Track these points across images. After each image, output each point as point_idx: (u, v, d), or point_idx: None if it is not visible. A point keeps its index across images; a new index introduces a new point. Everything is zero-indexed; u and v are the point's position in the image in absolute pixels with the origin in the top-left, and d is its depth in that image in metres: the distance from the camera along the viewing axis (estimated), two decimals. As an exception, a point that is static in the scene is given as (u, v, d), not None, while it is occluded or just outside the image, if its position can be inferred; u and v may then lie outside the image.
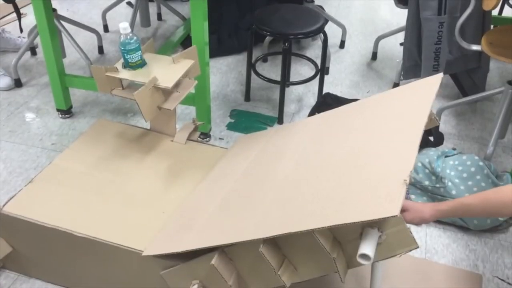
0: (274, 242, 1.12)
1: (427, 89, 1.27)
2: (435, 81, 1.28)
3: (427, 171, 1.76)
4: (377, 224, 1.00)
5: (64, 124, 2.24)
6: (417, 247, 1.04)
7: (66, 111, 2.26)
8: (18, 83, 2.49)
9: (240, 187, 1.38)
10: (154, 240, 1.31)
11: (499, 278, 1.58)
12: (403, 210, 1.24)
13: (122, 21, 1.59)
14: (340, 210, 0.99)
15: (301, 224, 1.02)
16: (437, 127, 2.12)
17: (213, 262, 1.16)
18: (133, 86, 1.64)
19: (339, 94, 2.40)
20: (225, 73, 2.68)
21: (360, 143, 1.24)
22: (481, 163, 1.72)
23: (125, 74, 1.60)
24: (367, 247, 0.96)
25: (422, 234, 1.73)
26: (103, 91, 1.63)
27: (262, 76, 2.37)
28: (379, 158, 1.12)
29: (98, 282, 1.44)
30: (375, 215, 0.91)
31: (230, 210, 1.29)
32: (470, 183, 1.70)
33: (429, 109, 1.18)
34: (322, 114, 1.57)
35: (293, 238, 1.05)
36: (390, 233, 1.03)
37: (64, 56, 2.71)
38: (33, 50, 2.78)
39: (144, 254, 1.27)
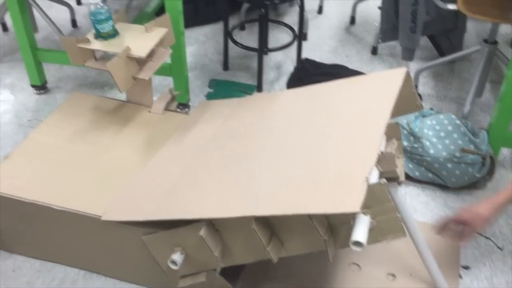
0: (264, 219, 1.14)
1: (392, 81, 1.29)
2: (399, 73, 1.31)
3: (405, 132, 1.78)
4: (369, 211, 1.04)
5: (40, 100, 2.20)
6: (404, 236, 1.08)
7: (41, 87, 2.22)
8: (-10, 61, 2.45)
9: (208, 158, 1.39)
10: (114, 204, 1.32)
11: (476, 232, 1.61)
12: (467, 223, 1.25)
13: (93, -8, 1.55)
14: (308, 199, 1.05)
15: (283, 207, 1.06)
16: (416, 88, 2.13)
17: (201, 233, 1.16)
18: (106, 57, 1.61)
19: (318, 60, 2.38)
20: (203, 42, 2.65)
21: (328, 129, 1.27)
22: (458, 122, 1.74)
23: (97, 45, 1.57)
24: (360, 234, 0.99)
25: (401, 193, 1.75)
26: (76, 63, 1.60)
27: (240, 44, 2.34)
28: (344, 148, 1.17)
29: (82, 254, 1.45)
30: (339, 208, 0.98)
31: (205, 180, 1.29)
32: (447, 141, 1.71)
33: (393, 103, 1.21)
34: (291, 90, 1.58)
35: (285, 217, 1.07)
36: (381, 220, 1.06)
37: (36, 30, 2.65)
38: (4, 26, 2.71)
39: (103, 218, 1.29)
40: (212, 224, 1.20)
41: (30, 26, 2.08)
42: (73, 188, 1.40)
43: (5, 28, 2.71)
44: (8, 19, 2.65)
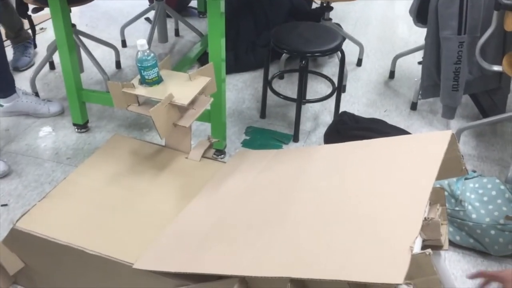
0: (301, 281, 1.10)
1: (437, 144, 1.26)
2: (445, 135, 1.27)
3: (446, 193, 1.72)
4: (412, 282, 1.01)
5: (80, 139, 2.25)
6: None
7: (82, 126, 2.27)
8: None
9: (243, 211, 1.37)
10: (147, 253, 1.30)
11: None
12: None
13: (140, 37, 1.59)
14: (348, 265, 1.02)
15: (320, 271, 1.03)
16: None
17: None
18: (149, 102, 1.63)
19: (356, 113, 2.36)
20: (241, 89, 2.68)
21: (370, 190, 1.24)
22: (502, 187, 1.67)
23: (142, 91, 1.59)
24: None
25: (442, 259, 1.68)
26: (120, 107, 1.63)
27: (279, 93, 2.35)
28: (387, 213, 1.13)
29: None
30: (380, 278, 0.94)
31: (239, 235, 1.27)
32: (490, 207, 1.65)
33: (438, 167, 1.17)
34: (330, 146, 1.55)
35: (322, 281, 1.04)
36: (421, 281, 1.02)
37: (82, 70, 2.73)
38: (51, 64, 2.81)
39: (134, 266, 1.27)
40: (245, 282, 1.17)
41: (77, 67, 2.14)
42: (107, 233, 1.39)
43: (52, 67, 2.81)
44: (55, 58, 2.75)
